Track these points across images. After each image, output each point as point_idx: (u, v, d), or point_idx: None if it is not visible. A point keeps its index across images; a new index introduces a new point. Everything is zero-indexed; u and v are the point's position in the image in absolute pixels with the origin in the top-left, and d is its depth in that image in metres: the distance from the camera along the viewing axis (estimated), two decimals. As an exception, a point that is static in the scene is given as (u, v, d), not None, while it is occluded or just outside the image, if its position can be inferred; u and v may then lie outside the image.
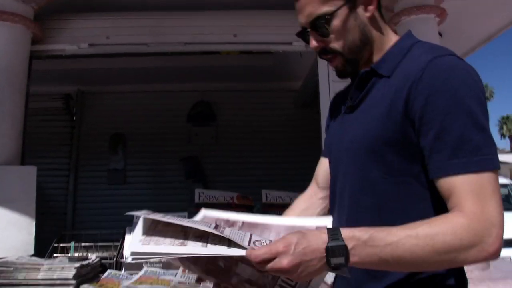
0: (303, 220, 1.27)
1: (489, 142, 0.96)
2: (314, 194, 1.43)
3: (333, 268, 0.90)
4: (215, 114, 5.65)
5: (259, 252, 0.89)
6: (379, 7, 1.18)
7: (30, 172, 2.79)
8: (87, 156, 5.58)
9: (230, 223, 1.21)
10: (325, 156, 1.38)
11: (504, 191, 8.98)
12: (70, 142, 5.63)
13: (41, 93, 4.76)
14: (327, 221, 1.23)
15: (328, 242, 0.90)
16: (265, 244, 0.93)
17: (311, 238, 0.91)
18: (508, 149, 57.31)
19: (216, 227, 0.99)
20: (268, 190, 2.87)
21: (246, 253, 0.89)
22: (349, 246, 0.89)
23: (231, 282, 1.04)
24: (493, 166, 0.95)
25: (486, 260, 0.93)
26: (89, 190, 5.47)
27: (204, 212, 1.27)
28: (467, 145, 0.94)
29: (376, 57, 1.17)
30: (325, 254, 0.89)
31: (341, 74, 1.22)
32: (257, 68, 4.81)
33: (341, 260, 0.89)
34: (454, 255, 0.90)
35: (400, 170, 1.04)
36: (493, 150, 0.96)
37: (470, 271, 1.09)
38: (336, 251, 0.89)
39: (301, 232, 0.94)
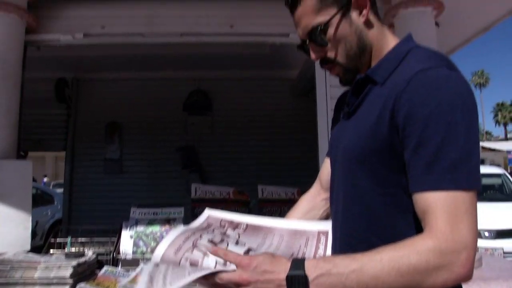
0: (305, 224, 1.29)
1: (469, 159, 0.91)
2: (318, 194, 1.43)
3: None
4: (211, 103, 5.63)
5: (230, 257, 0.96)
6: (375, 7, 1.16)
7: (25, 167, 2.78)
8: (83, 145, 5.58)
9: (234, 225, 1.22)
10: (329, 156, 1.37)
11: (498, 180, 9.02)
12: (66, 130, 5.61)
13: (36, 80, 4.71)
14: (328, 226, 1.24)
15: (289, 270, 0.90)
16: None
17: (276, 263, 0.93)
18: (503, 136, 57.68)
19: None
20: (264, 185, 2.86)
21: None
22: (312, 276, 0.89)
23: None
24: (469, 184, 0.90)
25: (457, 282, 0.88)
26: (85, 180, 5.47)
27: (208, 213, 1.27)
28: (442, 161, 0.90)
29: (374, 62, 1.15)
30: (284, 283, 0.89)
31: (343, 83, 1.21)
32: (253, 57, 4.77)
33: None
34: (421, 278, 0.86)
35: (388, 181, 1.03)
36: (472, 168, 0.91)
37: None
38: (295, 281, 0.89)
39: (270, 255, 0.97)
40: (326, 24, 1.09)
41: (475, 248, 0.88)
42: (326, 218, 1.40)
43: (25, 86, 3.16)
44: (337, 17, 1.09)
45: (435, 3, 3.11)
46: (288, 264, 0.91)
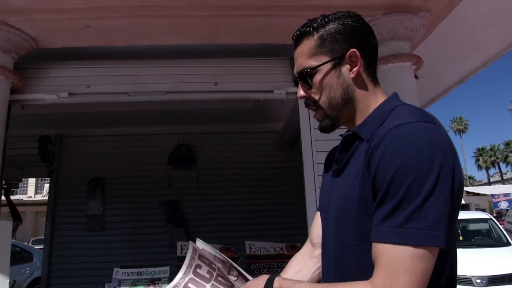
0: None
1: (426, 215, 0.91)
2: (309, 253, 1.42)
3: None
4: (195, 157, 5.63)
5: None
6: (372, 68, 1.20)
7: (5, 227, 2.69)
8: (65, 202, 5.46)
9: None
10: (319, 211, 1.38)
11: (485, 225, 9.05)
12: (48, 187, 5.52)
13: (18, 137, 4.67)
14: None
15: (264, 285, 1.11)
16: None
17: (257, 282, 1.15)
18: (486, 180, 58.45)
19: None
20: (252, 241, 2.83)
21: None
22: None
23: None
24: (418, 241, 0.91)
25: None
26: (67, 237, 5.31)
27: (197, 248, 1.33)
28: (397, 216, 0.93)
29: (360, 118, 1.18)
30: None
31: (322, 129, 1.25)
32: (237, 111, 4.82)
33: None
34: None
35: None
36: (425, 225, 0.91)
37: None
38: None
39: (253, 281, 1.19)
40: (315, 69, 1.17)
41: None
42: (318, 278, 1.37)
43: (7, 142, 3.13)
44: (327, 66, 1.17)
45: (414, 58, 3.22)
46: (263, 283, 1.12)
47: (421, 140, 0.95)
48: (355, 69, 1.16)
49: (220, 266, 1.31)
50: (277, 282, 1.10)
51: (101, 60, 3.43)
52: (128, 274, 2.59)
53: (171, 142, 5.62)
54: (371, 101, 1.19)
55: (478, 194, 28.00)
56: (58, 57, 3.42)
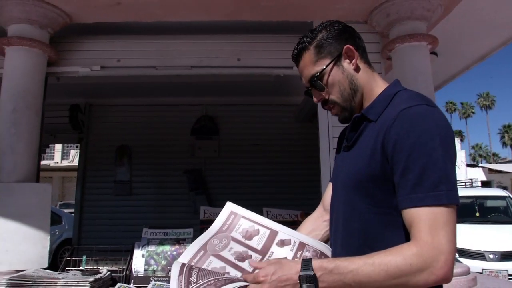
0: (314, 242, 1.43)
1: (448, 179, 1.09)
2: (320, 216, 1.62)
3: None
4: (218, 128, 5.84)
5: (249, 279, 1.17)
6: (364, 56, 1.40)
7: (45, 189, 2.96)
8: (94, 167, 5.78)
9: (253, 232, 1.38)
10: (331, 182, 1.57)
11: (502, 203, 9.04)
12: (78, 153, 5.82)
13: (51, 105, 4.91)
14: (316, 244, 1.41)
15: (301, 271, 1.12)
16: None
17: (286, 268, 1.15)
18: (510, 157, 57.16)
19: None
20: (269, 207, 3.03)
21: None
22: (318, 274, 1.10)
23: None
24: (448, 200, 1.08)
25: (437, 283, 1.06)
26: (96, 201, 5.65)
27: (231, 208, 1.43)
28: (425, 182, 1.09)
29: (366, 103, 1.37)
30: (298, 282, 1.11)
31: (342, 121, 1.43)
32: (258, 84, 4.97)
33: (312, 286, 1.10)
34: (405, 278, 1.05)
35: (381, 202, 1.22)
36: (450, 186, 1.09)
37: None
38: (306, 279, 1.10)
39: (279, 262, 1.18)
40: (322, 72, 1.35)
41: (453, 253, 1.06)
42: (327, 238, 1.57)
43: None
44: (330, 66, 1.35)
45: (429, 38, 3.30)
46: (298, 265, 1.13)
47: (428, 117, 1.15)
48: (353, 60, 1.36)
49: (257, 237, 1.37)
50: (315, 262, 1.14)
51: (131, 35, 3.62)
52: (156, 234, 2.83)
53: (194, 113, 5.85)
54: (372, 84, 1.38)
55: (500, 172, 27.59)
56: (91, 32, 3.62)
